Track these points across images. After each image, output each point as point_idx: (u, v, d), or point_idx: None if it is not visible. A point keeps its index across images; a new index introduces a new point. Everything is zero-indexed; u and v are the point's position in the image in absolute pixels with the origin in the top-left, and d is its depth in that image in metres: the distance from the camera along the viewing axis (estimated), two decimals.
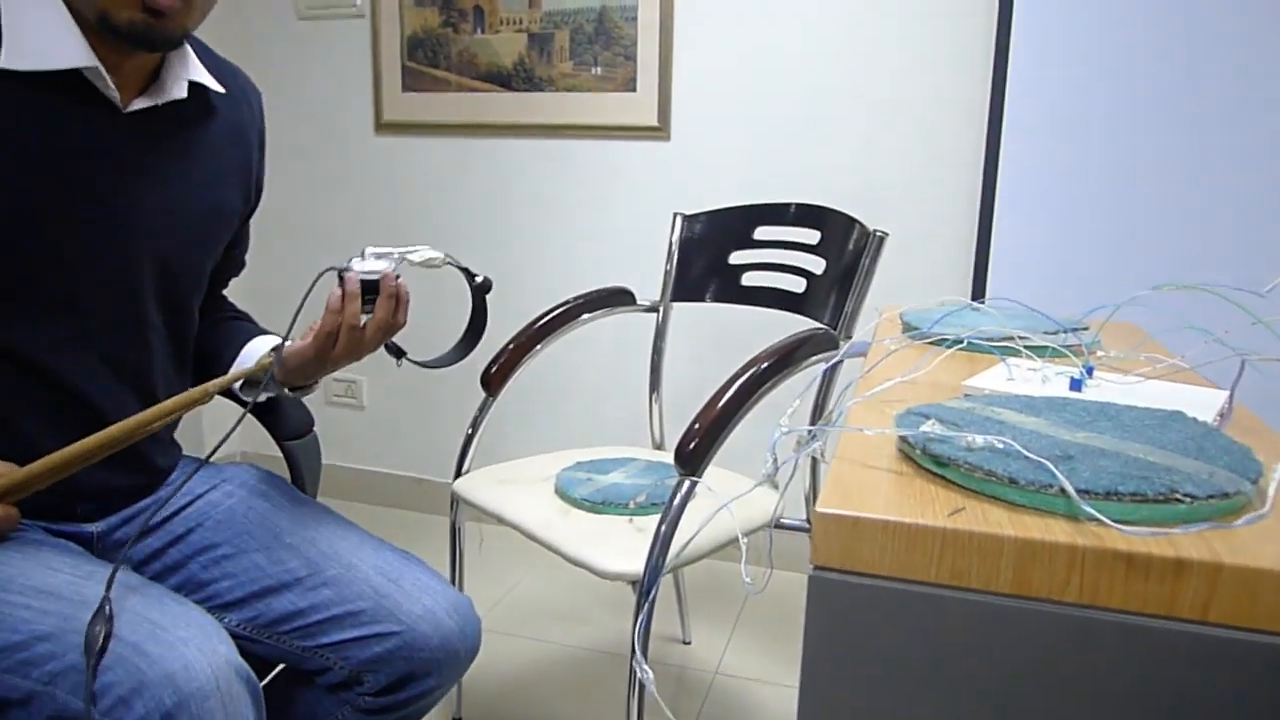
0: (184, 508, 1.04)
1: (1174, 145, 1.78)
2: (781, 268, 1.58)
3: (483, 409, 1.52)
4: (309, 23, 2.37)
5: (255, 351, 1.07)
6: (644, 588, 1.18)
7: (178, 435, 1.12)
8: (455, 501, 1.48)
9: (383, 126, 2.35)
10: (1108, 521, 0.48)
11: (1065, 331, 0.94)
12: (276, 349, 0.99)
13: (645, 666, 1.16)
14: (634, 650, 1.12)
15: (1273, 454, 0.62)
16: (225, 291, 1.21)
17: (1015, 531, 0.49)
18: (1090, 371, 0.78)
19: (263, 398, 1.08)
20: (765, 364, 1.22)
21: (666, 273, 1.69)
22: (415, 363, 1.03)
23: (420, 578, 1.03)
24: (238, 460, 2.62)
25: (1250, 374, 0.72)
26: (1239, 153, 1.75)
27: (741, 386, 1.19)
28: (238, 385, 1.08)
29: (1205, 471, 0.53)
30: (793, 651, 1.90)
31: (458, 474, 1.50)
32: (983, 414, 0.63)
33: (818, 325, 1.39)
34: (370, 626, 0.97)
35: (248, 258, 1.21)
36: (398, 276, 0.95)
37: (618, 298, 1.65)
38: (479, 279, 1.05)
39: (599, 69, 2.14)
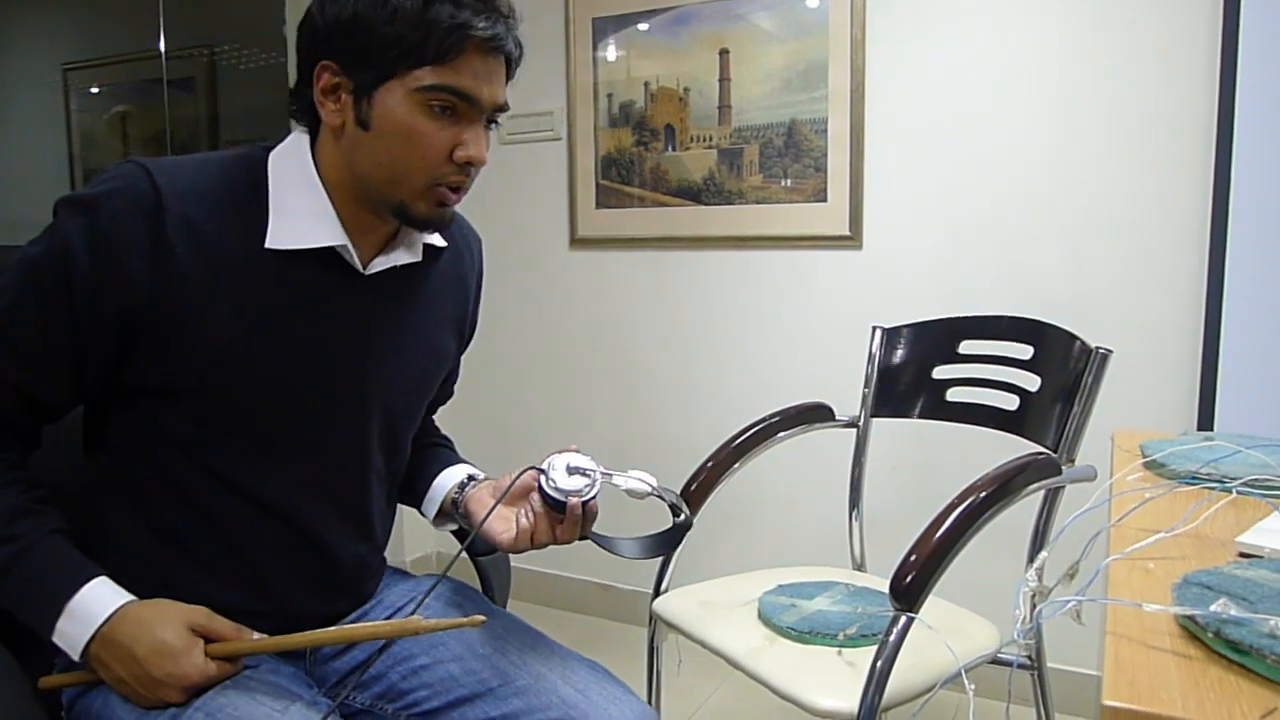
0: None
1: None
2: (991, 383, 1.51)
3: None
4: (511, 147, 2.53)
5: (449, 479, 1.13)
6: None
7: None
8: (653, 619, 1.47)
9: (577, 242, 2.46)
10: None
11: None
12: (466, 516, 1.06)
13: None
14: None
15: None
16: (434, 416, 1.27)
17: None
18: None
19: (453, 527, 1.14)
20: (984, 493, 1.16)
21: (865, 388, 1.66)
22: (597, 541, 1.02)
23: (608, 689, 1.03)
24: (432, 561, 2.72)
25: None
26: None
27: (961, 516, 1.14)
28: (432, 512, 1.14)
29: None
30: None
31: (656, 592, 1.50)
32: (1275, 585, 0.57)
33: (1039, 449, 1.31)
34: None
35: (456, 386, 1.27)
36: (593, 497, 0.94)
37: (816, 413, 1.63)
38: (682, 517, 1.02)
39: (789, 181, 2.17)
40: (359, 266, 0.96)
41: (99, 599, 0.87)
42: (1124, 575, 0.66)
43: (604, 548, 1.03)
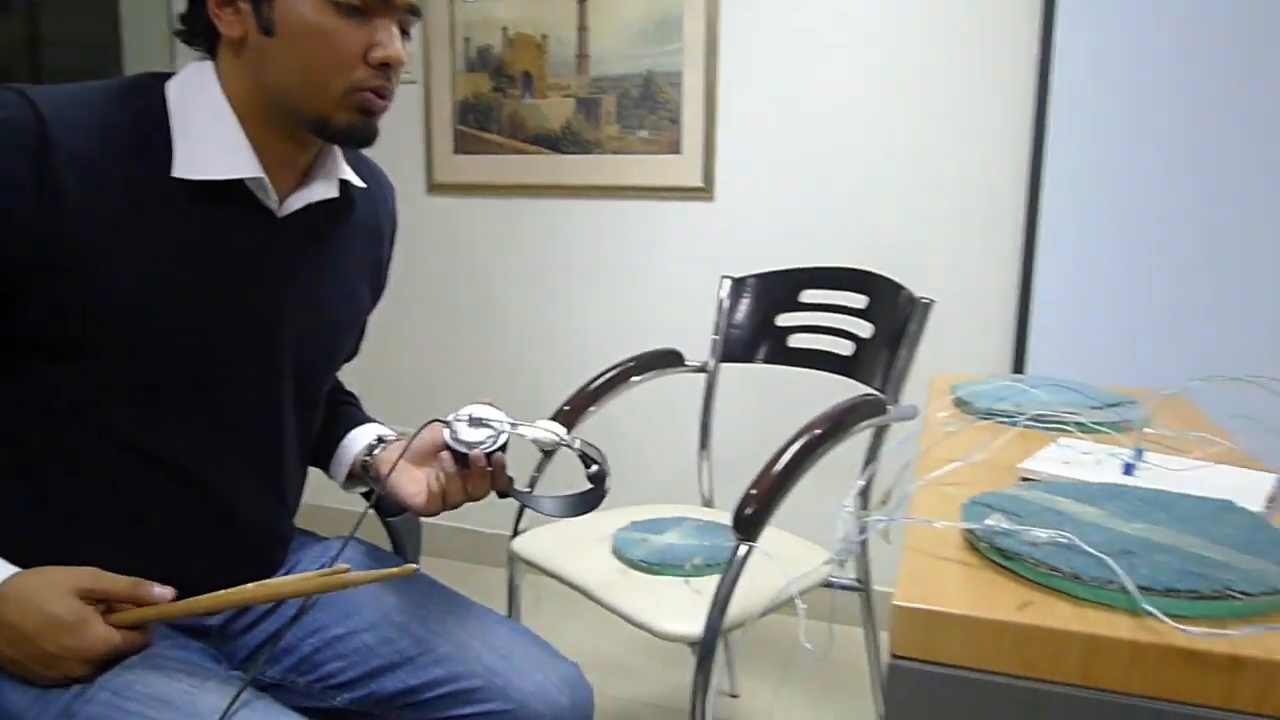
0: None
1: (1222, 213, 1.81)
2: (828, 330, 1.62)
3: (539, 469, 1.57)
4: None
5: (356, 440, 1.07)
6: (703, 650, 1.21)
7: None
8: (513, 559, 1.53)
9: (435, 187, 2.44)
10: (1168, 621, 0.52)
11: (1113, 406, 0.98)
12: (376, 476, 1.01)
13: None
14: (693, 716, 1.16)
15: None
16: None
17: (1081, 626, 0.53)
18: (1141, 454, 0.82)
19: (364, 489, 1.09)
20: (819, 430, 1.26)
21: (715, 335, 1.74)
22: (518, 498, 0.99)
23: (531, 651, 1.02)
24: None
25: None
26: None
27: (796, 453, 1.23)
28: (341, 475, 1.09)
29: (1258, 567, 0.57)
30: (839, 704, 1.92)
31: (515, 532, 1.55)
32: (1043, 504, 0.67)
33: (869, 391, 1.43)
34: (482, 704, 0.96)
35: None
36: (497, 449, 0.90)
37: (667, 359, 1.71)
38: (594, 468, 0.97)
39: (645, 132, 2.22)
40: (274, 204, 0.89)
41: None
42: (927, 499, 0.76)
43: (526, 505, 1.01)
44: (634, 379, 1.65)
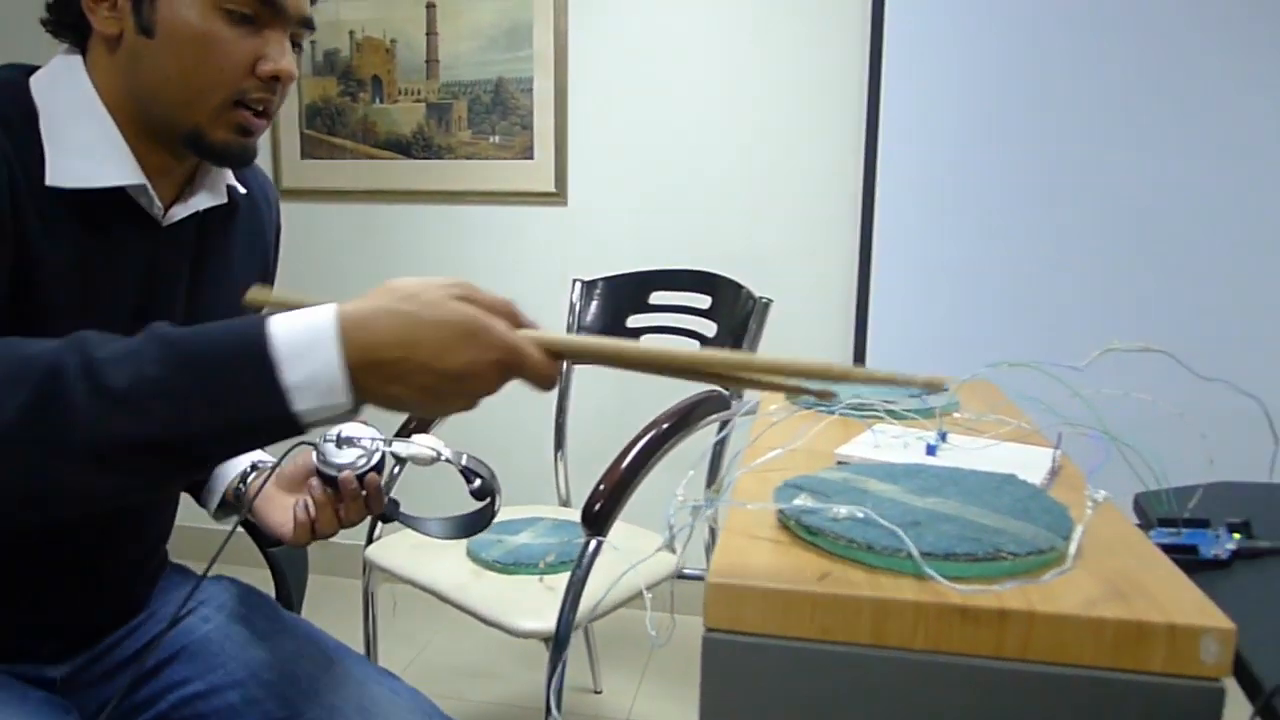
0: (160, 635, 0.94)
1: (1049, 211, 1.97)
2: (676, 330, 1.68)
3: (391, 476, 1.57)
4: None
5: (230, 467, 1.00)
6: (556, 645, 1.24)
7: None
8: (368, 567, 1.51)
9: (282, 193, 2.38)
10: (942, 580, 0.58)
11: (924, 395, 1.05)
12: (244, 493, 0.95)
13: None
14: (548, 708, 1.18)
15: (1083, 512, 0.74)
16: None
17: (872, 592, 0.58)
18: (944, 437, 0.89)
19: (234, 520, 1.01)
20: (664, 425, 1.31)
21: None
22: (404, 522, 0.94)
23: (409, 717, 0.94)
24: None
25: (1087, 432, 0.84)
26: (1095, 219, 1.95)
27: (642, 449, 1.28)
28: (213, 504, 1.01)
29: (1028, 531, 0.63)
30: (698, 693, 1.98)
31: (369, 540, 1.54)
32: (849, 484, 0.73)
33: (711, 388, 1.49)
34: None
35: None
36: (370, 469, 0.85)
37: None
38: (478, 483, 0.92)
39: (497, 137, 2.23)
40: (158, 213, 0.82)
41: (309, 316, 0.61)
42: (749, 485, 0.81)
43: (411, 528, 0.96)
44: (469, 456, 1.66)
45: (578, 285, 1.78)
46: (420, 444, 0.87)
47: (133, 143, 0.80)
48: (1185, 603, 0.57)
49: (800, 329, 2.09)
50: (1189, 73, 1.86)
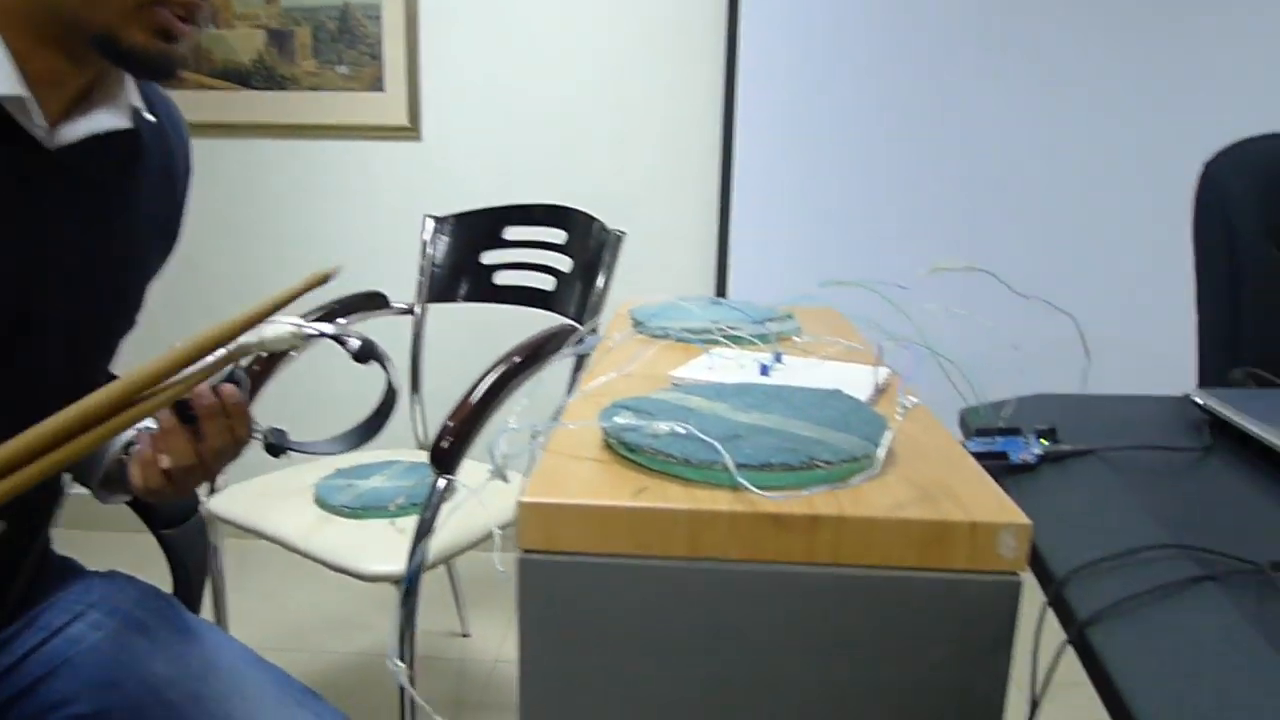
0: (40, 645, 0.82)
1: (899, 147, 2.00)
2: (532, 266, 1.64)
3: (249, 375, 1.49)
4: None
5: (113, 441, 0.87)
6: (406, 587, 1.21)
7: None
8: (210, 521, 1.44)
9: None
10: (753, 489, 0.57)
11: (770, 321, 1.06)
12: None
13: (399, 664, 1.19)
14: (401, 654, 1.16)
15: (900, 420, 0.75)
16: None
17: (688, 504, 0.57)
18: (779, 358, 0.89)
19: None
20: (516, 359, 1.28)
21: (420, 275, 1.71)
22: (302, 450, 0.84)
23: None
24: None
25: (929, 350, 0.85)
26: (934, 155, 2.00)
27: (492, 384, 1.25)
28: (95, 481, 0.89)
29: (846, 441, 0.64)
30: None
31: (211, 491, 1.47)
32: (677, 403, 0.72)
33: (564, 321, 1.46)
34: None
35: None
36: (233, 380, 0.75)
37: (372, 301, 1.66)
38: (356, 344, 0.80)
39: (344, 68, 2.12)
40: (42, 132, 0.71)
41: None
42: (580, 408, 0.79)
43: (310, 453, 0.86)
44: (338, 321, 1.59)
45: (430, 222, 1.72)
46: (274, 323, 0.71)
47: (16, 48, 0.68)
48: (987, 503, 0.58)
49: (667, 262, 2.08)
50: (1015, 11, 1.92)
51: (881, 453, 0.60)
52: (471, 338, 2.13)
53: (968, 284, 1.61)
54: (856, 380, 0.83)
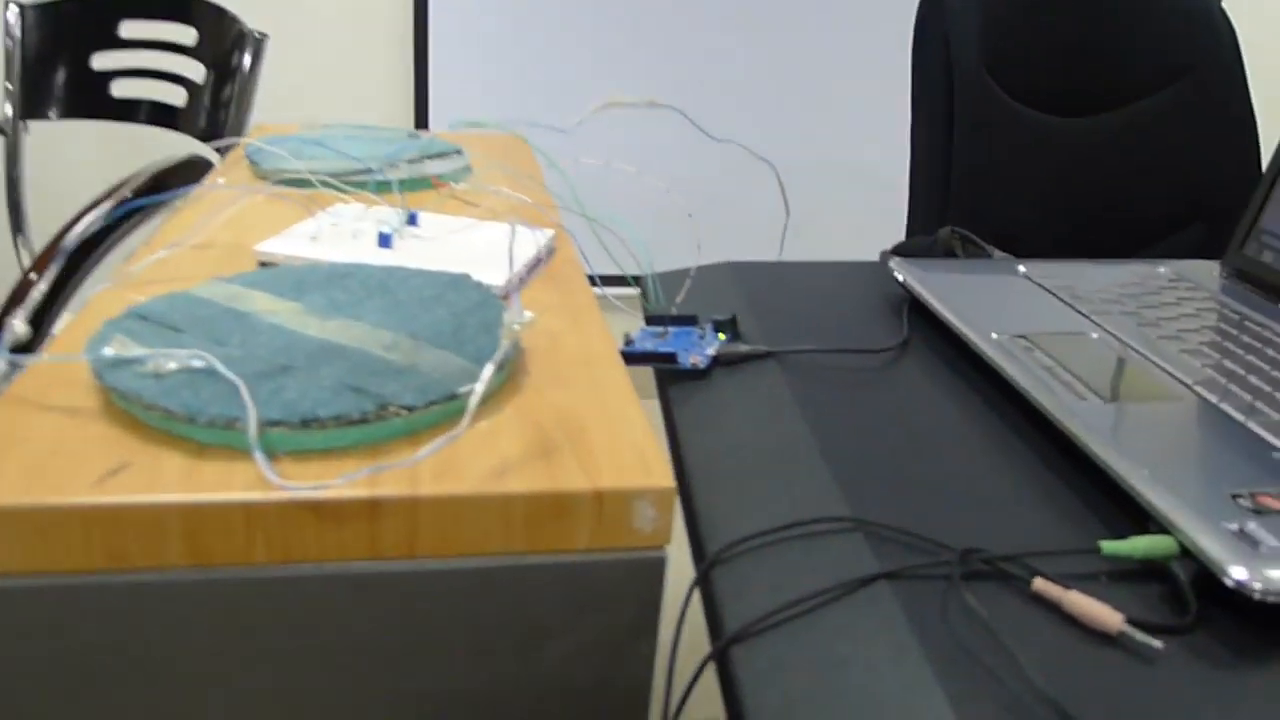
0: None
1: None
2: (156, 74, 1.30)
3: None
4: None
5: None
6: None
7: None
8: None
9: None
10: (273, 475, 0.39)
11: (435, 158, 0.84)
12: None
13: None
14: None
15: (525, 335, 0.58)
16: None
17: (183, 494, 0.38)
18: (414, 219, 0.69)
19: None
20: (128, 196, 1.00)
21: (7, 81, 1.32)
22: None
23: None
24: None
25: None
26: None
27: (72, 247, 0.96)
28: None
29: (445, 367, 0.46)
30: None
31: None
32: (227, 305, 0.51)
33: (198, 154, 1.17)
34: None
35: None
36: None
37: None
38: None
39: None
40: None
41: None
42: (106, 307, 0.56)
43: None
44: None
45: (14, 9, 1.31)
46: None
47: None
48: (624, 456, 0.43)
49: (354, 85, 1.76)
50: None
51: (476, 398, 0.42)
52: (96, 160, 1.73)
53: (646, 127, 1.39)
54: (499, 254, 0.64)
